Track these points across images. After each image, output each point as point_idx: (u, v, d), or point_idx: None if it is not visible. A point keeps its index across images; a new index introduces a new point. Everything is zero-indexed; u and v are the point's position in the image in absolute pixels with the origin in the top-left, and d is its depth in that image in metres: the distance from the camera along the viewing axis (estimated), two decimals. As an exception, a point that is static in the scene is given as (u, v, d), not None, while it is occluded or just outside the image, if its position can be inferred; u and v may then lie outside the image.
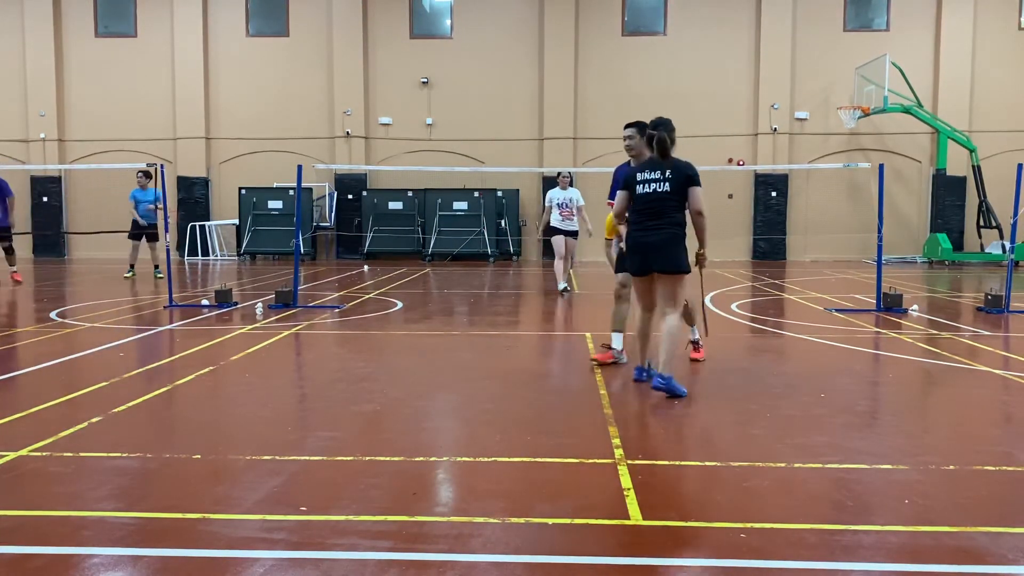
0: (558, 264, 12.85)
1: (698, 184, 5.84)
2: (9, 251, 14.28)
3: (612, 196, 6.24)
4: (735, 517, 3.38)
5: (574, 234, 12.79)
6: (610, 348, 6.86)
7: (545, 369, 7.16)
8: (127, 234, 15.77)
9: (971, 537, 3.19)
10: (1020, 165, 10.58)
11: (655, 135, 5.88)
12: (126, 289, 13.64)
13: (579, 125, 23.55)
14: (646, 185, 5.88)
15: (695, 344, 7.00)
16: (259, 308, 10.28)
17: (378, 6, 23.80)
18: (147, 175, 15.56)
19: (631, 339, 6.59)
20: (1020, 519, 3.41)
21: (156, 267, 15.77)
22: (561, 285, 12.70)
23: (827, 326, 9.15)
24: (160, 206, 14.66)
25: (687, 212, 5.89)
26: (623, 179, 6.10)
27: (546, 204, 12.91)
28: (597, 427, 4.80)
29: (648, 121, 6.08)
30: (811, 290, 13.53)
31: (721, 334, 8.12)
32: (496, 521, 3.32)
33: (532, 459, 4.19)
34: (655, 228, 5.85)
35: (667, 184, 5.82)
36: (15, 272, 14.24)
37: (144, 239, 15.65)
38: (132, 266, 15.81)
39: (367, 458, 4.22)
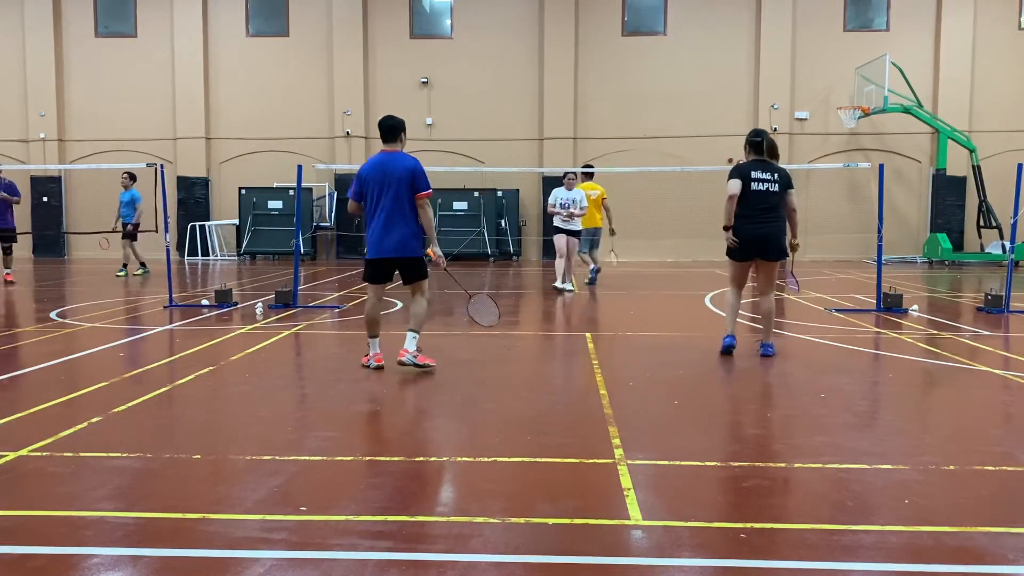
0: (559, 263, 13.11)
1: (793, 187, 7.14)
2: (7, 251, 14.43)
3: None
4: (735, 517, 3.38)
5: (577, 234, 13.12)
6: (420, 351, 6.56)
7: (545, 369, 7.17)
8: (122, 235, 16.15)
9: (971, 537, 3.19)
10: (1020, 165, 10.58)
11: (762, 140, 6.99)
12: (126, 289, 13.64)
13: (579, 125, 23.53)
14: (760, 184, 6.93)
15: (373, 355, 6.59)
16: (259, 308, 10.27)
17: (378, 6, 23.79)
18: (130, 176, 15.95)
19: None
20: (1020, 519, 3.41)
21: (124, 265, 16.11)
22: (559, 284, 12.97)
23: (827, 326, 9.15)
24: (137, 207, 15.82)
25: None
26: (738, 173, 6.94)
27: (550, 202, 13.09)
28: (597, 427, 4.80)
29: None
30: (811, 290, 13.53)
31: (721, 334, 8.11)
32: (496, 521, 3.32)
33: (532, 459, 4.19)
34: (770, 221, 6.96)
35: (776, 185, 6.97)
36: (8, 273, 14.28)
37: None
38: (143, 264, 16.25)
39: (367, 458, 4.22)
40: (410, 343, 6.47)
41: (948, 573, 2.91)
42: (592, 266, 14.11)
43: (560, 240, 12.96)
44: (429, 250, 6.57)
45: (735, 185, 6.91)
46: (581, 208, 12.85)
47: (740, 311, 7.34)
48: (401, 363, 6.43)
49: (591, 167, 14.00)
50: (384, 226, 6.39)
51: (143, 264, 16.25)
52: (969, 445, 4.56)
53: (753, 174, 6.93)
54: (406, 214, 6.39)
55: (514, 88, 23.64)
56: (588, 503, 3.54)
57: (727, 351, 7.12)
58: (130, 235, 15.95)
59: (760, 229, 6.94)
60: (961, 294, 13.48)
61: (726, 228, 7.04)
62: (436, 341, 8.24)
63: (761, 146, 7.01)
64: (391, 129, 6.49)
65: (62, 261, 22.61)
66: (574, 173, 13.22)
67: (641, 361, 7.07)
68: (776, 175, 7.00)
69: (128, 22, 24.30)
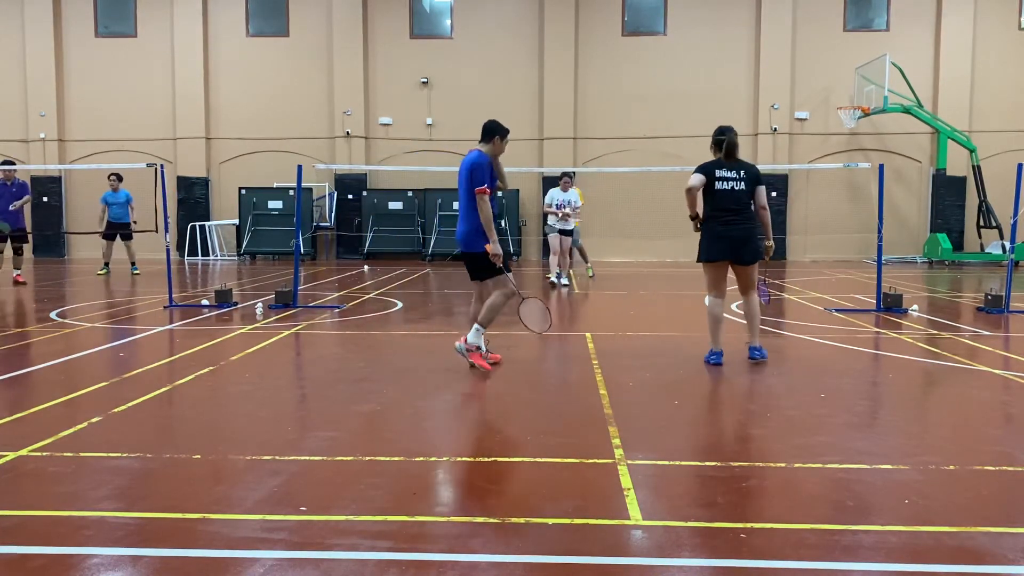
0: (553, 259, 14.15)
1: (762, 183, 6.75)
2: (18, 252, 14.55)
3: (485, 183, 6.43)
4: (735, 517, 3.38)
5: (571, 232, 14.10)
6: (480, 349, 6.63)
7: (545, 369, 7.16)
8: (100, 234, 16.62)
9: (971, 537, 3.19)
10: (1020, 165, 10.58)
11: (724, 139, 6.69)
12: (126, 289, 13.64)
13: (579, 125, 23.54)
14: (725, 183, 6.65)
15: (479, 349, 6.59)
16: (259, 308, 10.28)
17: (378, 6, 23.79)
18: (119, 177, 16.45)
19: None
20: (1020, 519, 3.41)
21: (132, 264, 16.71)
22: (554, 279, 13.85)
23: (827, 326, 9.15)
24: (133, 206, 16.49)
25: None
26: (702, 170, 6.69)
27: (546, 203, 14.24)
28: (597, 427, 4.80)
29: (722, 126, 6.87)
30: (811, 290, 13.53)
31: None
32: (496, 521, 3.32)
33: (532, 459, 4.19)
34: (739, 222, 6.64)
35: (743, 183, 6.66)
36: (18, 274, 14.31)
37: (119, 238, 16.62)
38: (107, 264, 16.74)
39: (367, 458, 4.21)
40: (471, 335, 6.56)
41: (948, 573, 2.91)
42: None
43: (555, 239, 14.03)
44: (487, 246, 6.49)
45: (696, 178, 6.65)
46: (575, 208, 13.91)
47: (741, 316, 7.25)
48: (456, 349, 6.58)
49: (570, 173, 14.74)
50: (459, 221, 6.67)
51: (107, 264, 16.68)
52: (969, 445, 4.56)
53: (717, 172, 6.67)
54: (469, 209, 6.53)
55: (514, 88, 23.63)
56: (588, 503, 3.54)
57: (713, 362, 6.79)
58: (128, 235, 16.36)
59: (728, 231, 6.65)
60: (961, 294, 13.48)
61: (692, 217, 6.78)
62: (436, 341, 8.24)
63: (724, 144, 6.74)
64: (482, 129, 6.77)
65: (62, 261, 22.60)
66: (569, 175, 14.11)
67: (641, 361, 7.06)
68: (742, 172, 6.70)
69: (128, 22, 24.29)
